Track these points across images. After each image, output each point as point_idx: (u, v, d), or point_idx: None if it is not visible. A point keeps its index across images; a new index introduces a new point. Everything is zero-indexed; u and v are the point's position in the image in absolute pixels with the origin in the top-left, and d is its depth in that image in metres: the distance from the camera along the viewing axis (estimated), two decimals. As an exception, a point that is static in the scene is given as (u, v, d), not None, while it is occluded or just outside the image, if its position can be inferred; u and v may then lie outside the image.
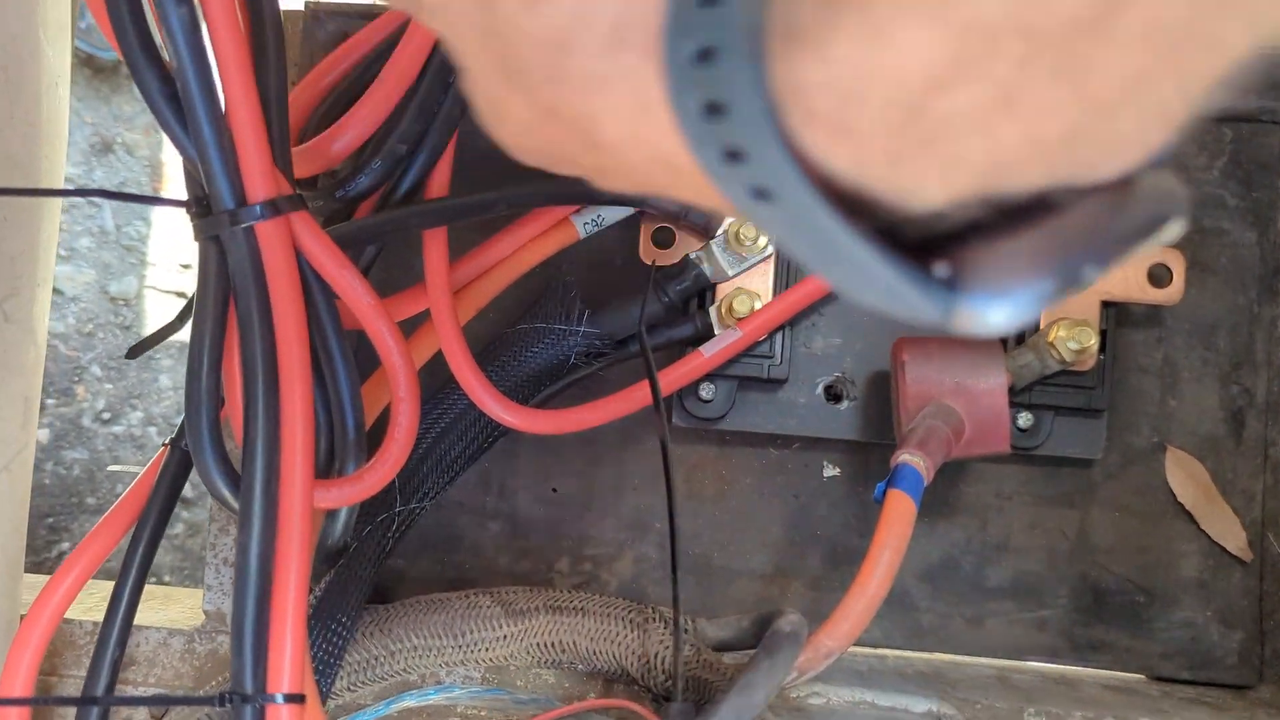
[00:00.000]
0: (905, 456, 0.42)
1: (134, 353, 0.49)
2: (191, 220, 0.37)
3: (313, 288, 0.39)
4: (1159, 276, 0.49)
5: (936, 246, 0.18)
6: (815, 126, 0.17)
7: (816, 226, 0.17)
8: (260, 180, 0.37)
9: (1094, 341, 0.47)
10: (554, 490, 0.54)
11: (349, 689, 0.41)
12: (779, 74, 0.16)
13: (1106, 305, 0.49)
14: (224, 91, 0.36)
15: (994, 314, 0.17)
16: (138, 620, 0.47)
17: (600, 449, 0.54)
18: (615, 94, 0.18)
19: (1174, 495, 0.52)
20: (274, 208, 0.37)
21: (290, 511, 0.36)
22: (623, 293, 0.52)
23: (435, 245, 0.46)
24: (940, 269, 0.17)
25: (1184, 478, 0.52)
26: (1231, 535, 0.51)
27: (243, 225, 0.36)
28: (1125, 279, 0.49)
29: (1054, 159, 0.17)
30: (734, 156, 0.17)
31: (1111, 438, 0.52)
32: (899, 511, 0.40)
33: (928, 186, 0.17)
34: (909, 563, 0.52)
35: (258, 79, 0.39)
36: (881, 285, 0.18)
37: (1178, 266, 0.49)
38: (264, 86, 0.39)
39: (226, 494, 0.37)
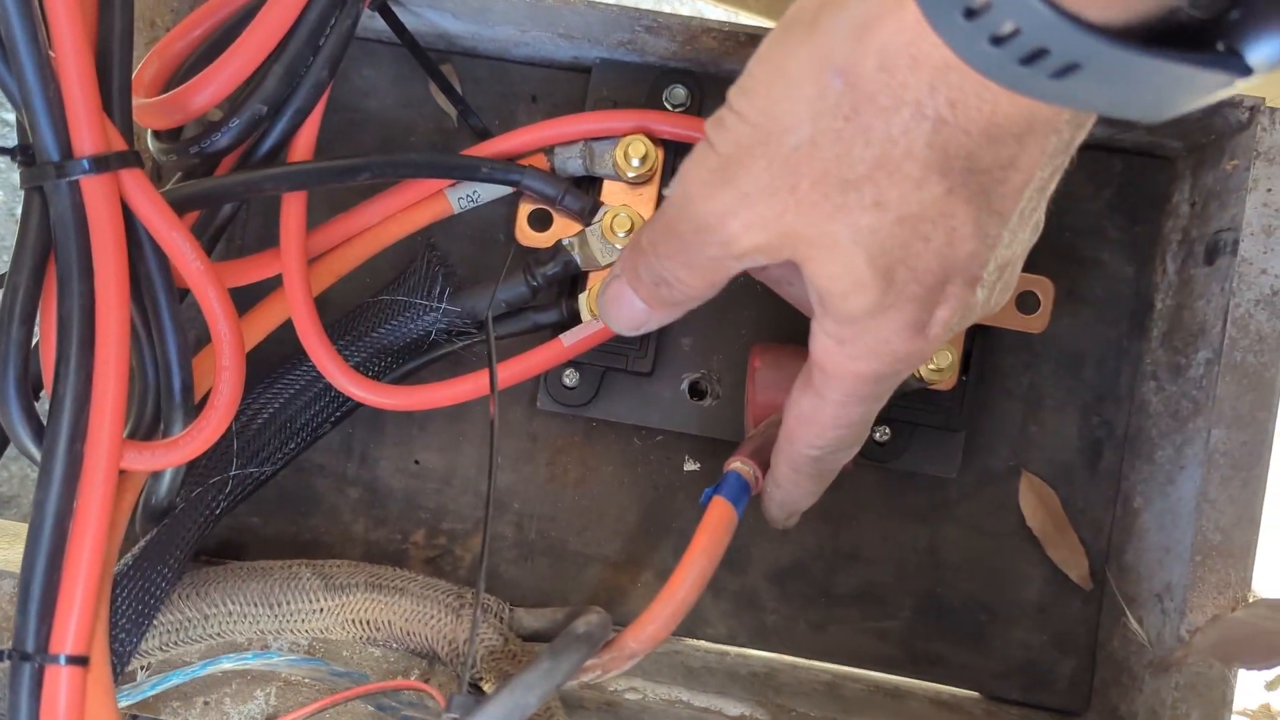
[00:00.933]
0: (736, 464, 0.42)
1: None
2: (18, 168, 0.37)
3: (144, 247, 0.38)
4: (1028, 303, 0.49)
5: (1192, 39, 0.23)
6: None
7: (1127, 75, 0.23)
8: (89, 134, 0.36)
9: (952, 361, 0.48)
10: (416, 462, 0.54)
11: (161, 649, 0.41)
12: None
13: (973, 330, 0.49)
14: (53, 40, 0.35)
15: (1276, 52, 0.23)
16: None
17: (467, 425, 0.54)
18: None
19: (1024, 520, 0.52)
20: (102, 163, 0.36)
21: (94, 471, 0.36)
22: (501, 270, 0.51)
23: (292, 209, 0.45)
24: (1219, 45, 0.23)
25: (1035, 503, 0.52)
26: (1075, 564, 0.52)
27: (67, 179, 0.36)
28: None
29: None
30: (1035, 56, 0.23)
31: (970, 458, 0.52)
32: (718, 519, 0.40)
33: None
34: (761, 563, 0.53)
35: (100, 27, 0.38)
36: (1187, 87, 0.24)
37: (1046, 295, 0.49)
38: (105, 35, 0.38)
39: (31, 448, 0.36)
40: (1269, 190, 0.45)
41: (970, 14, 0.23)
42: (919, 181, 0.29)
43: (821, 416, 0.37)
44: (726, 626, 0.53)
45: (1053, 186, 0.33)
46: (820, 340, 0.35)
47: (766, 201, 0.31)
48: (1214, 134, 0.48)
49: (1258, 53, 0.23)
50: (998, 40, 0.24)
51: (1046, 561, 0.52)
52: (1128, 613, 0.48)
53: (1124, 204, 0.52)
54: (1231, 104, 0.46)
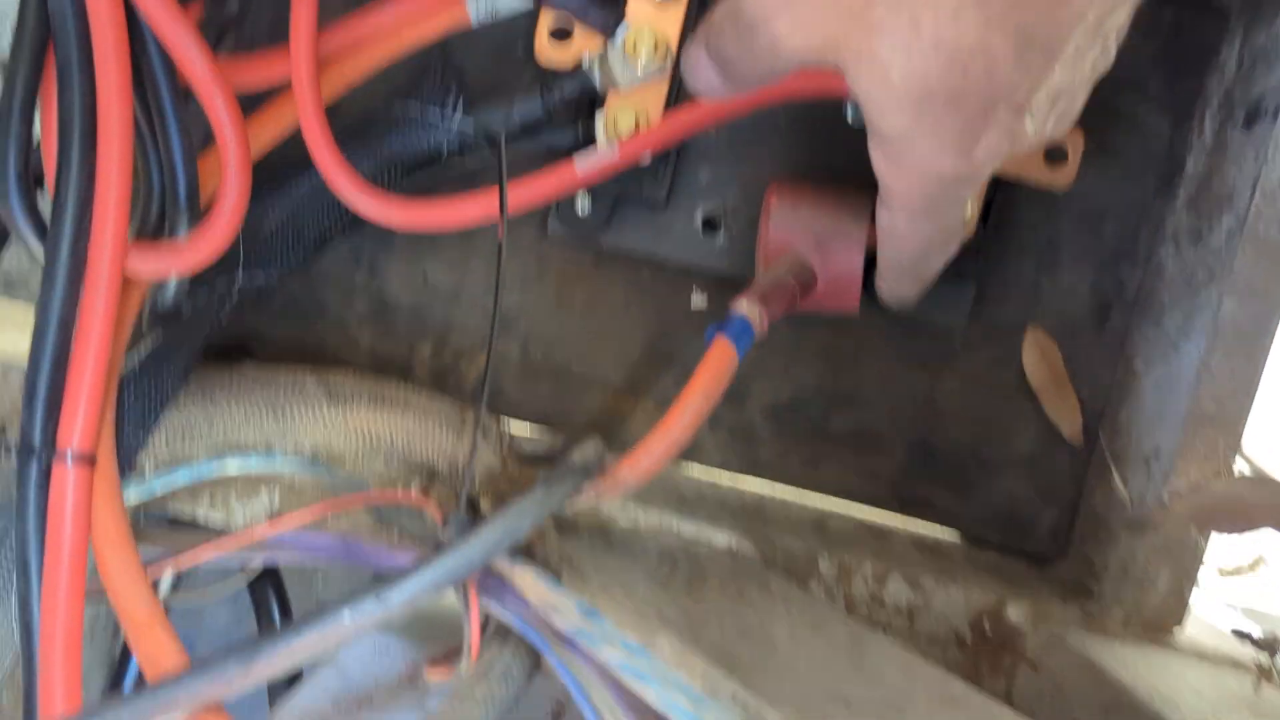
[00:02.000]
0: (742, 305, 0.42)
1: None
2: (12, -51, 0.35)
3: (147, 43, 0.37)
4: (1055, 155, 0.48)
5: None
6: None
7: None
8: (87, -85, 0.34)
9: (973, 212, 0.47)
10: (425, 276, 0.54)
11: (165, 445, 0.42)
12: None
13: (996, 180, 0.48)
14: None
15: None
16: (-21, 347, 0.47)
17: (478, 242, 0.54)
18: None
19: (1025, 375, 0.52)
20: (101, -52, 0.34)
21: (98, 271, 0.36)
22: (519, 86, 0.50)
23: (303, 5, 0.43)
24: None
25: (1038, 356, 0.52)
26: (1068, 419, 0.52)
27: (66, -36, 0.34)
28: (1020, 156, 0.47)
29: None
30: None
31: (978, 308, 0.52)
32: (718, 360, 0.40)
33: None
34: (759, 398, 0.54)
35: None
36: None
37: (1076, 149, 0.48)
38: None
39: (34, 244, 0.36)
40: (1323, 55, 0.43)
41: None
42: (955, 10, 0.30)
43: (896, 229, 0.39)
44: (720, 455, 0.54)
45: (1114, 23, 0.33)
46: (873, 154, 0.36)
47: (812, 6, 0.32)
48: (1275, -12, 0.46)
49: None
50: None
51: (1041, 416, 0.53)
52: (1114, 471, 0.49)
53: (1169, 57, 0.50)
54: (1299, -43, 0.43)
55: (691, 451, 0.54)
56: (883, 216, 0.39)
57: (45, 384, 0.35)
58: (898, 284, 0.45)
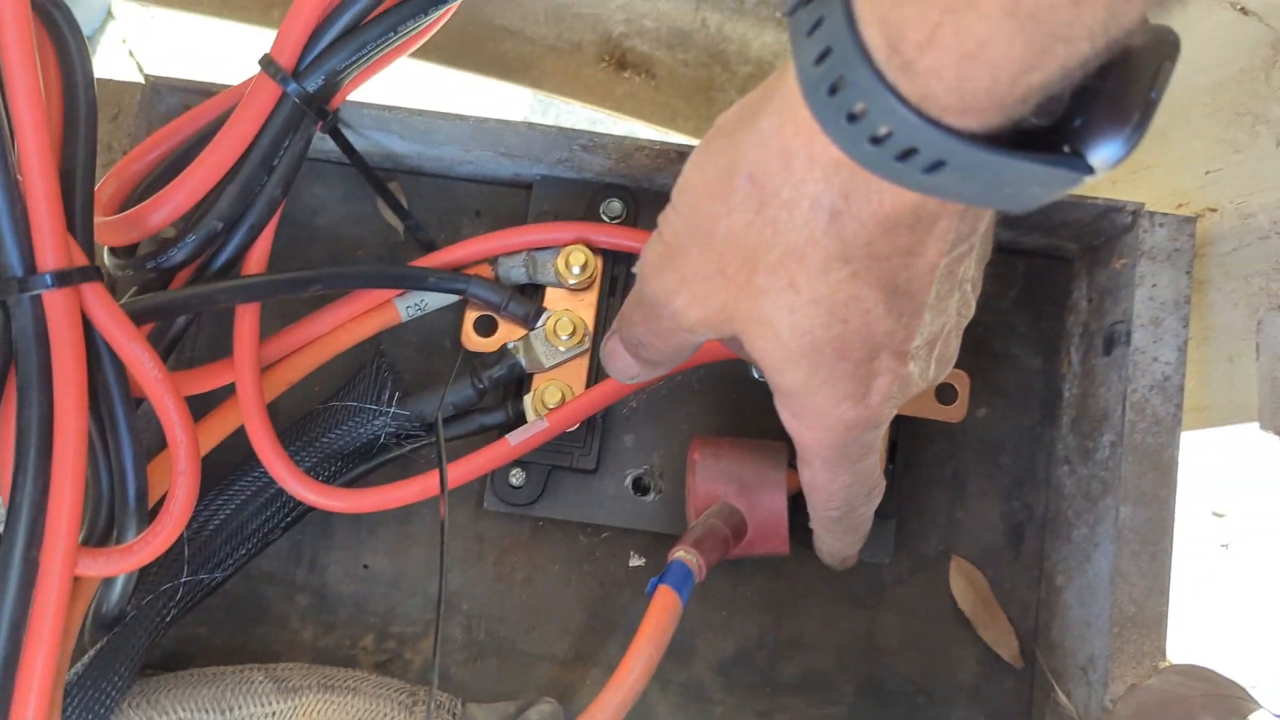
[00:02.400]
0: (680, 553, 0.44)
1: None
2: (-19, 283, 0.38)
3: (102, 358, 0.40)
4: (946, 394, 0.52)
5: (1046, 142, 0.28)
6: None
7: (986, 171, 0.27)
8: (52, 250, 0.38)
9: (880, 451, 0.50)
10: (365, 566, 0.55)
11: (109, 760, 0.41)
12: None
13: (899, 420, 0.52)
14: (20, 160, 0.37)
15: (1113, 154, 0.27)
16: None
17: (415, 528, 0.55)
18: None
19: (955, 602, 0.54)
20: (65, 278, 0.38)
21: (49, 579, 0.36)
22: (448, 376, 0.53)
23: (246, 320, 0.47)
24: (1065, 148, 0.27)
25: (965, 585, 0.54)
26: (1005, 643, 0.54)
27: (30, 294, 0.37)
28: (915, 397, 0.52)
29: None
30: (908, 154, 0.27)
31: (902, 544, 0.55)
32: (663, 608, 0.41)
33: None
34: (706, 654, 0.54)
35: (64, 148, 0.40)
36: (1040, 182, 0.28)
37: (963, 387, 0.52)
38: (69, 155, 0.40)
39: (-15, 556, 0.37)
40: (1154, 285, 0.49)
41: (852, 118, 0.28)
42: (824, 266, 0.33)
43: (818, 483, 0.41)
44: (675, 719, 0.54)
45: (967, 271, 0.37)
46: (781, 412, 0.38)
47: (703, 283, 0.36)
48: (1104, 236, 0.53)
49: (1097, 155, 0.27)
50: (876, 140, 0.28)
51: (979, 642, 0.54)
52: (1056, 687, 0.51)
53: (1029, 301, 0.56)
54: (1116, 208, 0.50)
55: (645, 718, 0.54)
56: (804, 473, 0.42)
57: (-9, 695, 0.35)
58: (835, 541, 0.46)
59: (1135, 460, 0.48)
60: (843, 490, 0.42)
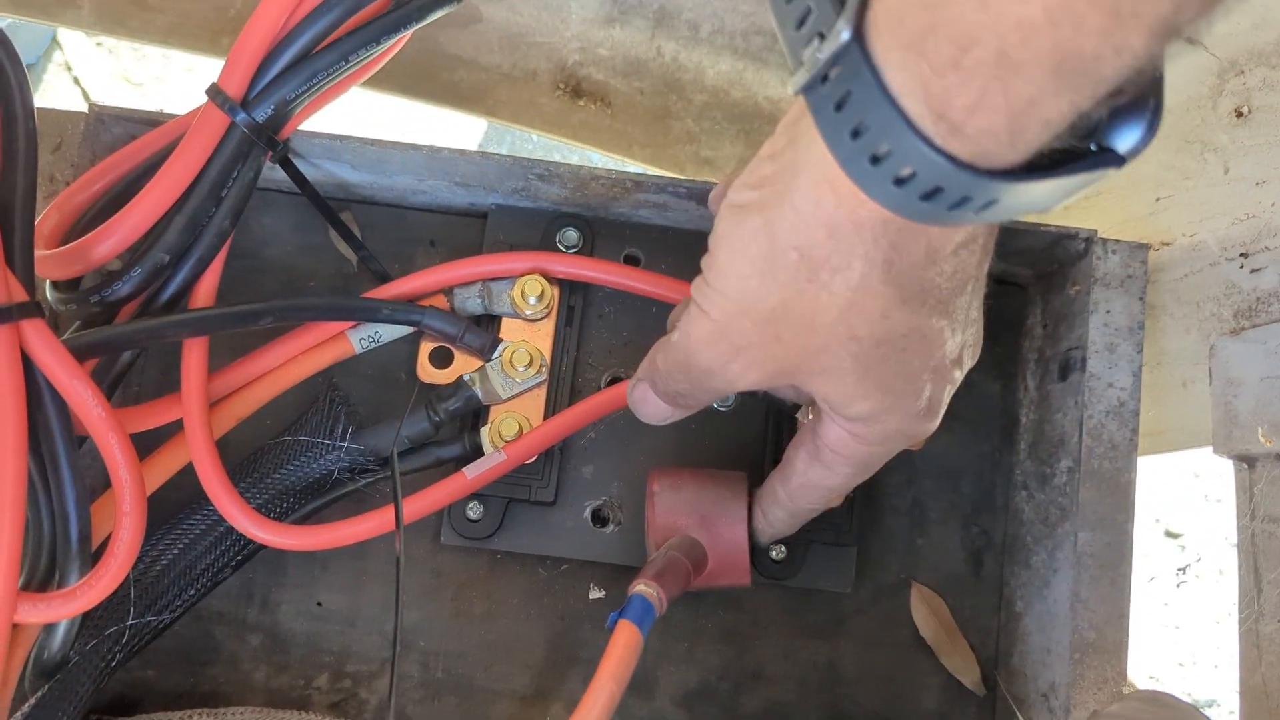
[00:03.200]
0: (640, 587, 0.43)
1: None
2: (-86, 320, 0.37)
3: (43, 396, 0.39)
4: (905, 421, 0.52)
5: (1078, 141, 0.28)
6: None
7: (1032, 193, 0.28)
8: (-10, 286, 0.36)
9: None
10: (319, 604, 0.54)
11: (49, 813, 0.39)
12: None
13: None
14: (-43, 197, 0.36)
15: (1141, 140, 0.28)
16: None
17: (369, 563, 0.54)
18: None
19: (917, 630, 0.54)
20: (3, 315, 0.37)
21: (-14, 626, 0.35)
22: (403, 408, 0.53)
23: (193, 354, 0.46)
24: (1092, 145, 0.28)
25: (926, 613, 0.54)
26: (967, 670, 0.54)
27: (-34, 330, 0.36)
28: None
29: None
30: (933, 193, 0.28)
31: (863, 573, 0.55)
32: (624, 642, 0.41)
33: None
34: (668, 687, 0.53)
35: (2, 181, 0.39)
36: (1070, 188, 0.29)
37: (921, 413, 0.52)
38: (7, 189, 0.39)
39: (-82, 605, 0.35)
40: (1108, 311, 0.50)
41: (899, 181, 0.28)
42: (884, 313, 0.34)
43: (829, 483, 0.42)
44: (637, 755, 0.53)
45: (983, 275, 0.38)
46: (834, 431, 0.39)
47: (759, 350, 0.37)
48: (1057, 262, 0.53)
49: (1125, 144, 0.28)
50: (927, 196, 0.28)
51: (941, 670, 0.54)
52: (1019, 715, 0.50)
53: (986, 327, 0.57)
54: (1069, 235, 0.51)
55: (606, 753, 0.53)
56: (812, 475, 0.42)
57: (-78, 751, 0.33)
58: (789, 527, 0.47)
59: (1093, 485, 0.48)
60: (842, 490, 0.43)
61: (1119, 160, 0.28)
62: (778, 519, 0.46)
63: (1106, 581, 0.48)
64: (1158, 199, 0.55)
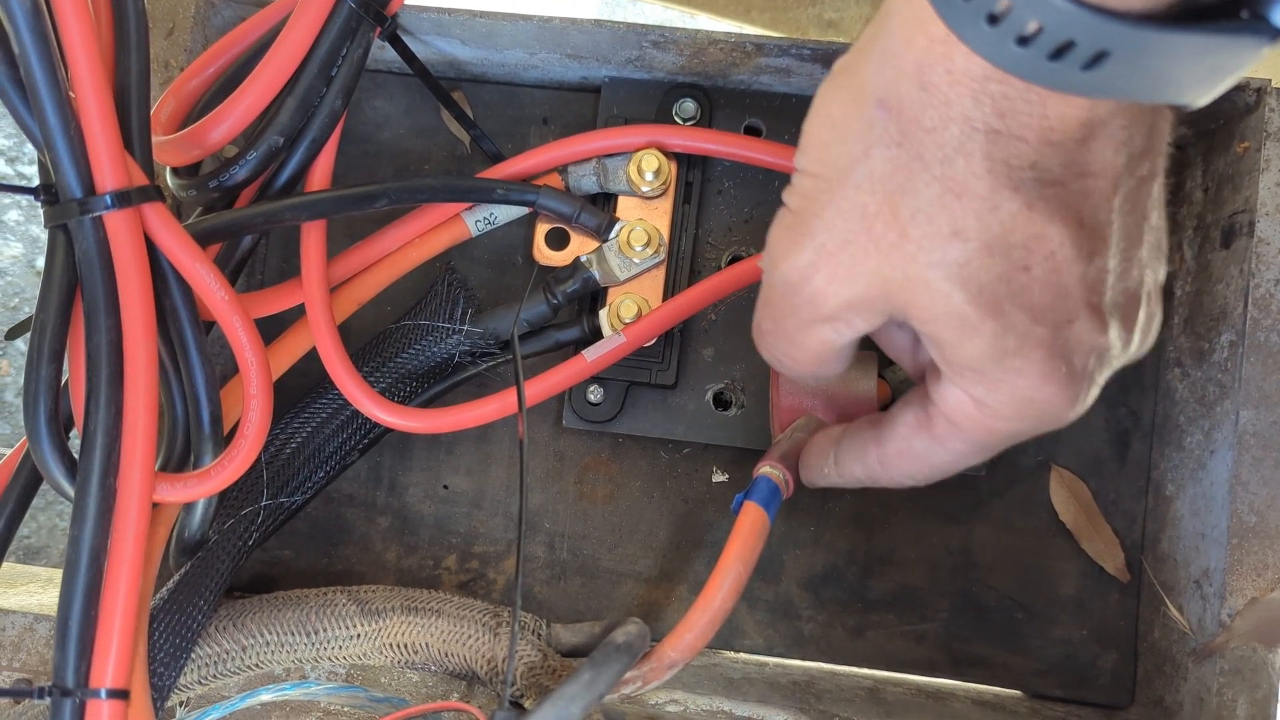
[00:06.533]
0: (765, 469, 0.42)
1: (12, 334, 0.48)
2: (41, 208, 0.37)
3: (169, 280, 0.39)
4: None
5: (1219, 15, 0.24)
6: None
7: (1155, 57, 0.24)
8: (110, 170, 0.36)
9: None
10: (445, 487, 0.54)
11: (199, 682, 0.41)
12: None
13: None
14: (72, 80, 0.36)
15: None
16: (6, 604, 0.47)
17: (493, 447, 0.54)
18: None
19: (1056, 514, 0.52)
20: (124, 198, 0.36)
21: (128, 505, 0.36)
22: (520, 292, 0.52)
23: (312, 239, 0.46)
24: (1244, 13, 0.23)
25: (1067, 497, 0.52)
26: (1110, 556, 0.51)
27: (91, 215, 0.36)
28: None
29: None
30: (1063, 50, 0.24)
31: (998, 455, 0.52)
32: (750, 524, 0.40)
33: None
34: (794, 571, 0.53)
35: (117, 65, 0.38)
36: (1220, 61, 0.24)
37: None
38: (123, 73, 0.38)
39: (65, 485, 0.36)
40: (1283, 169, 0.45)
41: (993, 19, 0.24)
42: (991, 200, 0.28)
43: (933, 459, 0.35)
44: (763, 637, 0.53)
45: (1149, 198, 0.31)
46: (954, 396, 0.32)
47: (845, 251, 0.30)
48: (1222, 118, 0.48)
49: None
50: (1024, 40, 0.24)
51: (1081, 555, 0.52)
52: (1167, 601, 0.48)
53: (1137, 193, 0.52)
54: (1238, 87, 0.46)
55: (732, 636, 0.52)
56: (915, 444, 0.35)
57: (78, 621, 0.34)
58: (857, 485, 0.40)
59: (1258, 360, 0.45)
60: (947, 471, 0.36)
61: (1272, 33, 0.23)
62: (851, 476, 0.39)
63: (1271, 463, 0.44)
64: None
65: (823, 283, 0.31)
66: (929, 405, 0.34)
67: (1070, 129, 0.27)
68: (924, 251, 0.29)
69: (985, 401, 0.31)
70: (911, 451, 0.36)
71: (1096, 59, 0.24)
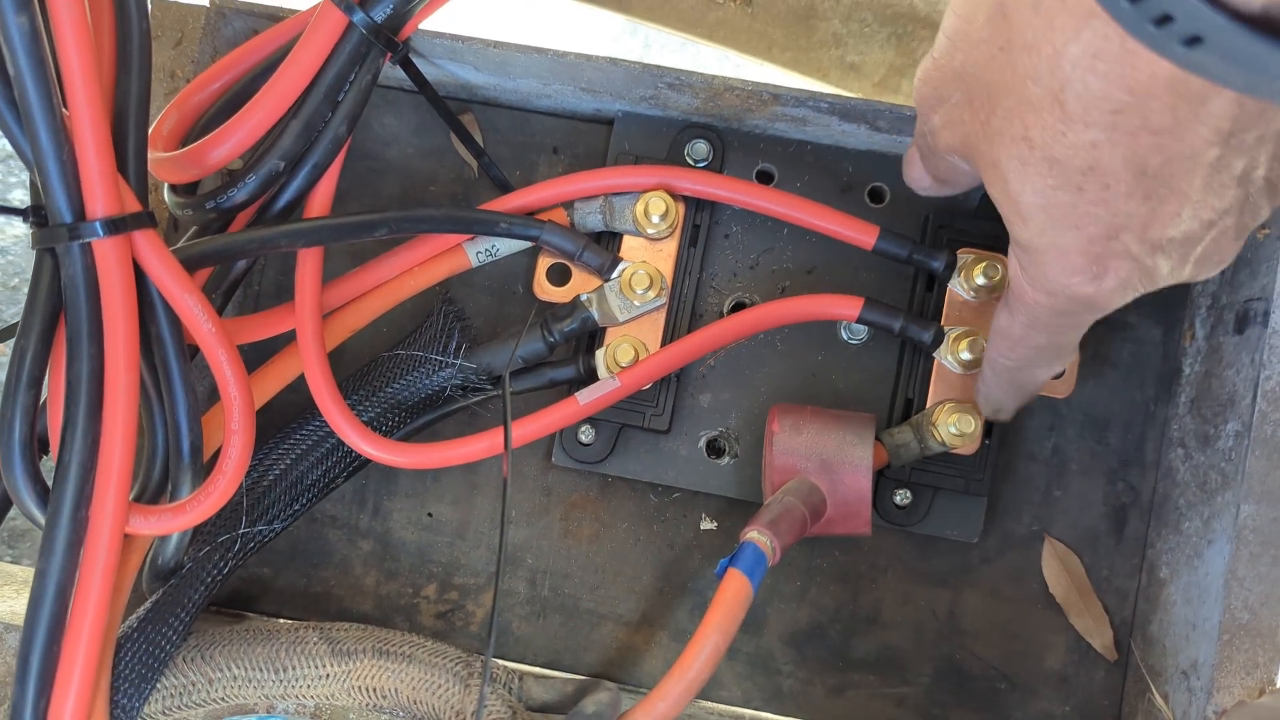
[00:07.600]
0: (753, 534, 0.41)
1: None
2: (30, 229, 0.36)
3: (156, 308, 0.38)
4: (1053, 367, 0.48)
5: None
6: None
7: (1251, 58, 0.24)
8: (103, 196, 0.36)
9: (976, 427, 0.47)
10: (429, 515, 0.54)
11: (163, 713, 0.40)
12: None
13: (995, 392, 0.48)
14: (68, 103, 0.35)
15: None
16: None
17: (480, 477, 0.53)
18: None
19: (1047, 586, 0.51)
20: (115, 225, 0.36)
21: (99, 538, 0.35)
22: (519, 321, 0.51)
23: (308, 265, 0.45)
24: None
25: (1059, 569, 0.51)
26: (1099, 633, 0.50)
27: (79, 241, 0.35)
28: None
29: None
30: (1164, 19, 0.25)
31: (992, 522, 0.51)
32: (733, 594, 0.39)
33: None
34: (777, 625, 0.52)
35: (117, 86, 0.38)
36: None
37: (1071, 363, 0.48)
38: (122, 95, 0.38)
39: (36, 513, 0.36)
40: (1302, 261, 0.44)
41: None
42: (1061, 126, 0.30)
43: (1011, 332, 0.40)
44: (741, 689, 0.52)
45: (1255, 169, 0.32)
46: (1013, 264, 0.37)
47: (954, 109, 0.36)
48: (1246, 199, 0.47)
49: None
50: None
51: (1069, 629, 0.51)
52: (1153, 688, 0.47)
53: (1152, 265, 0.51)
54: (1264, 171, 0.45)
55: (710, 687, 0.52)
56: (1001, 317, 0.40)
57: (38, 658, 0.34)
58: (996, 388, 0.44)
59: (1263, 454, 0.44)
60: (1031, 350, 0.40)
61: None
62: (986, 379, 0.44)
63: (1268, 560, 0.43)
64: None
65: (938, 122, 0.37)
66: (1008, 279, 0.38)
67: (1158, 90, 0.29)
68: (999, 140, 0.33)
69: (1031, 275, 0.36)
70: (999, 327, 0.41)
71: (1192, 40, 0.25)
